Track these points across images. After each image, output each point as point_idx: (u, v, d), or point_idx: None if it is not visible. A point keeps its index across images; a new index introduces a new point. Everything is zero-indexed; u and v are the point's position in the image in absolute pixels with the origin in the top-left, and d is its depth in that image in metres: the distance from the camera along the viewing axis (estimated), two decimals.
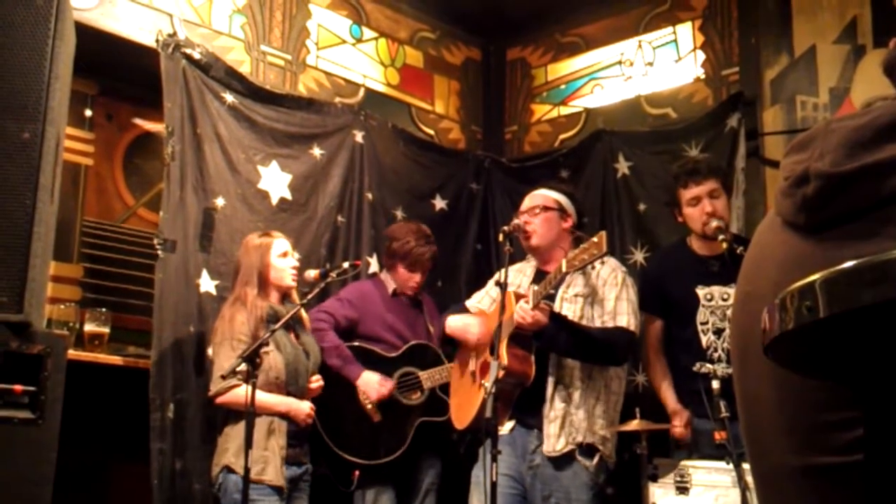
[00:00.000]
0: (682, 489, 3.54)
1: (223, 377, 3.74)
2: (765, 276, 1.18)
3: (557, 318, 3.80)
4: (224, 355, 3.87)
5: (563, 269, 3.64)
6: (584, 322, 3.91)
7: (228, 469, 3.79)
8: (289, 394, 3.96)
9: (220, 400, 3.90)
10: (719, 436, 3.36)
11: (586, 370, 3.88)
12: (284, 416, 3.91)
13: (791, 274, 1.10)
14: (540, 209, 4.07)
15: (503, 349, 3.73)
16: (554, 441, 3.79)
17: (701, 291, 3.98)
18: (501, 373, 3.63)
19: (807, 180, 1.12)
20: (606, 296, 3.94)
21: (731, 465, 3.38)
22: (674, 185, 4.12)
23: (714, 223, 3.85)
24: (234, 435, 3.86)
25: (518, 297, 3.83)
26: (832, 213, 1.09)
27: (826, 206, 1.10)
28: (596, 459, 3.83)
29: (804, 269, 1.08)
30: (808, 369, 0.97)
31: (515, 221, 4.03)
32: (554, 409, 3.82)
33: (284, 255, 4.12)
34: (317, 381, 4.12)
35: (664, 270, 4.22)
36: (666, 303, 4.15)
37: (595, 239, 3.55)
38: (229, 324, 3.94)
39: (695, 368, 3.91)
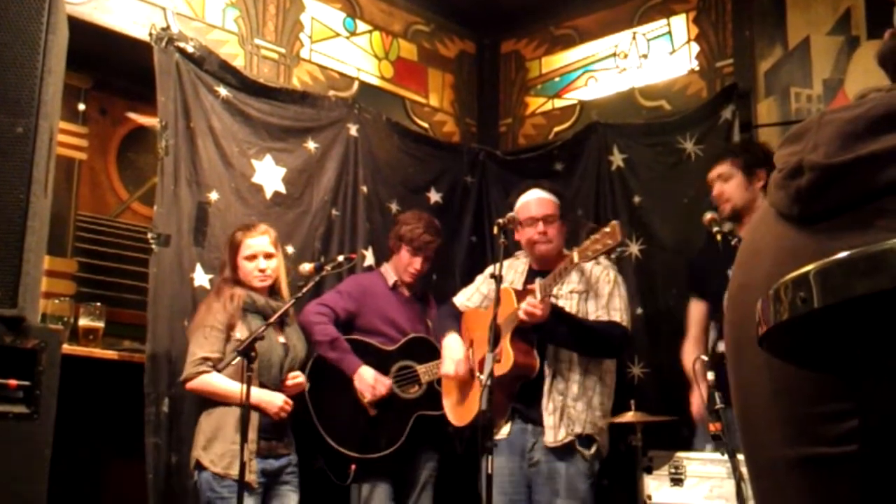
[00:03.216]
0: (677, 481, 3.55)
1: (219, 370, 3.77)
2: (759, 268, 1.18)
3: (556, 311, 3.85)
4: (196, 342, 3.92)
5: (576, 260, 3.67)
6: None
7: (199, 464, 3.82)
8: (261, 384, 3.94)
9: (189, 386, 3.91)
10: (714, 427, 3.37)
11: (583, 363, 3.95)
12: (255, 407, 3.87)
13: (785, 265, 1.10)
14: (553, 217, 4.13)
15: (507, 344, 3.81)
16: (554, 432, 3.87)
17: (731, 272, 3.98)
18: (507, 367, 3.78)
19: (801, 172, 1.12)
20: (600, 292, 4.03)
21: (725, 457, 3.39)
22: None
23: (709, 215, 3.91)
24: (204, 426, 3.89)
25: (520, 294, 3.89)
26: (826, 204, 1.09)
27: (820, 197, 1.10)
28: (594, 449, 3.92)
29: (798, 260, 1.08)
30: (802, 360, 0.97)
31: (510, 214, 4.05)
32: (552, 401, 3.89)
33: (252, 257, 4.04)
34: (294, 378, 4.08)
35: (703, 256, 4.28)
36: (704, 286, 4.20)
37: (607, 229, 3.56)
38: (205, 312, 3.97)
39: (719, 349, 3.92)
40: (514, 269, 4.25)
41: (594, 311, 4.01)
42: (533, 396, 3.94)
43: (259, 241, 4.08)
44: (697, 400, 4.02)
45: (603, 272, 4.06)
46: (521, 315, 3.76)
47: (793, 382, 1.09)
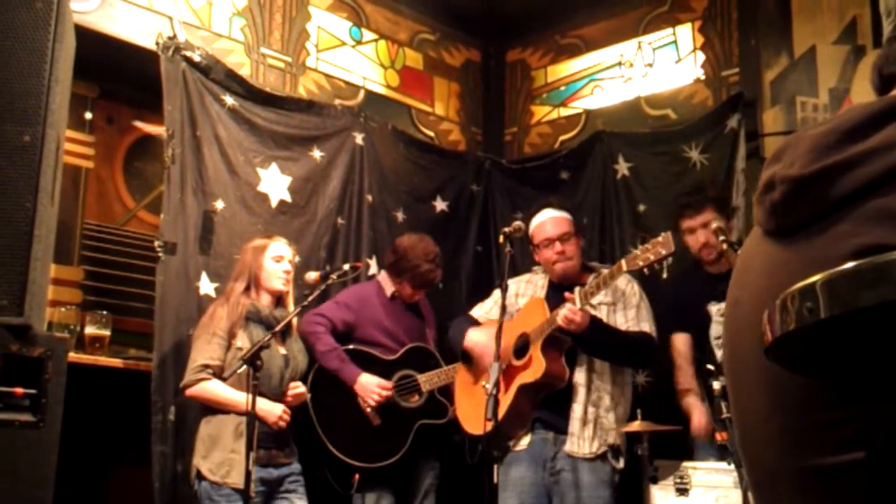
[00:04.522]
0: (683, 490, 3.54)
1: (225, 378, 3.77)
2: (749, 284, 1.20)
3: (595, 320, 3.87)
4: (198, 348, 3.94)
5: (624, 268, 3.66)
6: None
7: (198, 473, 3.82)
8: (260, 394, 3.92)
9: (189, 392, 3.92)
10: (720, 436, 3.37)
11: (612, 375, 3.98)
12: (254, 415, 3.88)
13: (770, 279, 1.12)
14: (569, 234, 4.14)
15: (538, 353, 3.84)
16: (589, 443, 3.87)
17: (713, 308, 4.06)
18: (538, 375, 3.80)
19: (773, 186, 1.14)
20: (629, 304, 4.06)
21: (731, 466, 3.38)
22: (676, 213, 4.27)
23: (715, 223, 3.92)
24: (203, 435, 3.90)
25: (553, 304, 3.91)
26: (799, 215, 1.11)
27: (792, 209, 1.12)
28: (622, 461, 3.94)
29: (780, 273, 1.09)
30: (808, 370, 0.97)
31: (515, 222, 4.04)
32: (587, 412, 3.90)
33: (279, 259, 4.12)
34: (295, 389, 4.09)
35: (683, 290, 4.30)
36: (687, 320, 4.22)
37: (660, 239, 3.55)
38: (209, 318, 3.98)
39: (710, 382, 3.96)
40: (534, 284, 4.26)
41: (624, 323, 4.03)
42: (558, 405, 3.94)
43: (284, 246, 4.18)
44: (698, 417, 4.03)
45: (628, 284, 4.09)
46: (560, 321, 3.75)
47: (789, 393, 1.09)
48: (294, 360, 4.13)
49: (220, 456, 3.80)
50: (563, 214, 4.20)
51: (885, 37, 1.22)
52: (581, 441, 3.87)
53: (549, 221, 4.17)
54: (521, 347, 3.96)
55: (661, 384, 4.70)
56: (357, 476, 4.22)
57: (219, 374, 3.88)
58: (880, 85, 1.22)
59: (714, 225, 3.92)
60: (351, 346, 4.43)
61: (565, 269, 4.12)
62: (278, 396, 4.02)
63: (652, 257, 3.55)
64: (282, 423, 3.96)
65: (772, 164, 1.18)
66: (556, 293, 4.03)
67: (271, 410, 3.94)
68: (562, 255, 4.10)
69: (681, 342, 4.24)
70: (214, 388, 3.86)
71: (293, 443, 4.10)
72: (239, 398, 3.79)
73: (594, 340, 3.88)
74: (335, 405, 4.31)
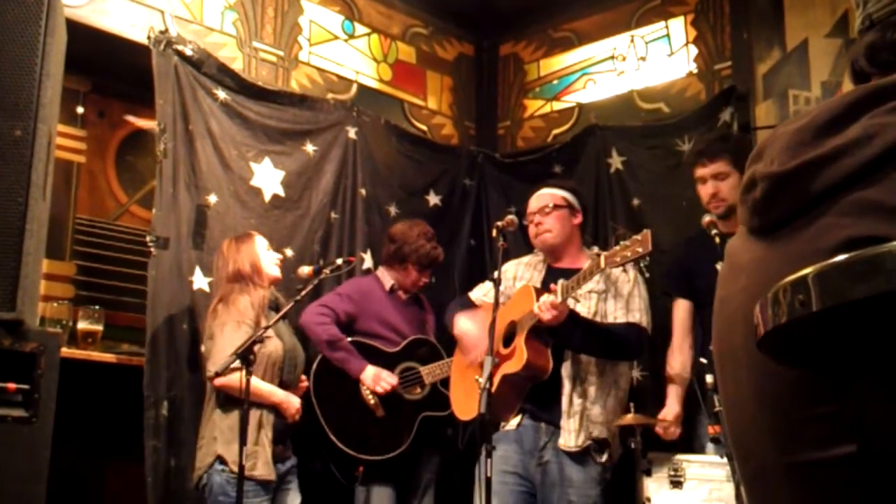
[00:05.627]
0: (676, 483, 3.55)
1: (218, 374, 3.69)
2: (736, 282, 1.21)
3: (572, 315, 3.80)
4: (228, 336, 3.79)
5: (602, 265, 3.61)
6: (597, 318, 3.94)
7: (220, 460, 3.73)
8: (282, 384, 3.94)
9: (219, 381, 3.74)
10: (713, 429, 3.37)
11: (599, 366, 3.90)
12: (277, 406, 3.88)
13: (756, 277, 1.13)
14: (550, 208, 4.08)
15: (522, 343, 3.79)
16: (575, 436, 3.81)
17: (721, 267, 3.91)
18: (519, 366, 3.75)
19: (754, 185, 1.15)
20: (620, 292, 3.98)
21: (725, 459, 3.39)
22: (690, 159, 4.11)
23: (707, 217, 3.83)
24: (222, 426, 3.81)
25: (540, 292, 3.84)
26: (780, 212, 1.11)
27: (772, 206, 1.12)
28: (606, 455, 3.85)
29: (766, 270, 1.10)
30: (801, 363, 0.97)
31: (508, 216, 4.03)
32: (573, 404, 3.84)
33: (269, 247, 4.16)
34: (305, 381, 4.17)
35: (692, 255, 4.13)
36: (693, 286, 4.07)
37: (638, 237, 3.51)
38: (233, 306, 3.89)
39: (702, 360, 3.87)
40: (533, 267, 4.20)
41: (613, 312, 3.95)
42: (546, 397, 3.88)
43: (262, 238, 4.18)
44: (671, 408, 3.95)
45: (623, 273, 3.97)
46: (536, 311, 3.69)
47: (780, 388, 1.09)
48: (298, 353, 4.16)
49: (245, 448, 3.76)
50: (550, 191, 4.16)
51: (857, 29, 1.22)
52: (567, 433, 3.82)
53: (534, 198, 4.16)
54: (509, 336, 3.92)
55: (655, 378, 4.71)
56: (361, 468, 4.23)
57: (251, 363, 3.71)
58: (854, 80, 1.22)
59: (706, 219, 3.87)
60: (353, 339, 4.43)
61: (543, 243, 4.08)
62: (297, 386, 4.06)
63: (629, 255, 3.51)
64: (297, 417, 3.98)
65: (753, 163, 1.19)
66: (552, 278, 3.96)
67: (292, 402, 3.95)
68: (539, 227, 4.07)
69: (680, 310, 4.12)
70: (242, 381, 3.66)
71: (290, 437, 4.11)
72: (271, 390, 3.82)
73: (569, 336, 3.80)
74: (339, 397, 4.31)
